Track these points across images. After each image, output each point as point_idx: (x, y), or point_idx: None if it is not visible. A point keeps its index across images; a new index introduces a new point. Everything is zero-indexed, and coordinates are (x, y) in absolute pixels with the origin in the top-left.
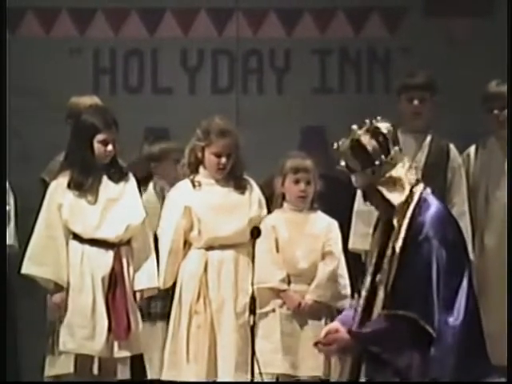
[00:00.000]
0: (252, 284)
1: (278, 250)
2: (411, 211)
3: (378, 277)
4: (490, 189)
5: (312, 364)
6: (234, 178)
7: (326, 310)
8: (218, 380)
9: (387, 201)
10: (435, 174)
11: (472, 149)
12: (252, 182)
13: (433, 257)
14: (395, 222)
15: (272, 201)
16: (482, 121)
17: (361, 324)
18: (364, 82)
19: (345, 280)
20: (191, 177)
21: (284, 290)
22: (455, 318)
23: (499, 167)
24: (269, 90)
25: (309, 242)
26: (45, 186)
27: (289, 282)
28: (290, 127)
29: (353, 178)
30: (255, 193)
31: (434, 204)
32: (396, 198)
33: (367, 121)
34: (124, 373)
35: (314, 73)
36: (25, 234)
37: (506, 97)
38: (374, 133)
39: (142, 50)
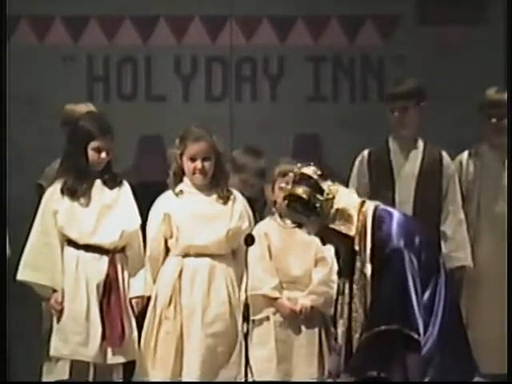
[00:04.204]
0: (246, 291)
1: (270, 258)
2: (370, 230)
3: (352, 305)
4: (482, 196)
5: (306, 371)
6: (217, 188)
7: (319, 317)
8: None
9: (344, 234)
10: (430, 183)
11: (464, 155)
12: (237, 193)
13: (405, 265)
14: (356, 246)
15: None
16: (476, 128)
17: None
18: (357, 90)
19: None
20: (174, 186)
21: (276, 298)
22: (435, 316)
23: (491, 175)
24: (262, 98)
25: (301, 248)
26: (42, 191)
27: (282, 289)
28: (284, 135)
29: (305, 231)
30: (238, 205)
31: (392, 215)
32: (350, 227)
33: (291, 171)
34: (120, 380)
35: (307, 80)
36: (19, 242)
37: (504, 105)
38: (302, 180)
39: (136, 58)
